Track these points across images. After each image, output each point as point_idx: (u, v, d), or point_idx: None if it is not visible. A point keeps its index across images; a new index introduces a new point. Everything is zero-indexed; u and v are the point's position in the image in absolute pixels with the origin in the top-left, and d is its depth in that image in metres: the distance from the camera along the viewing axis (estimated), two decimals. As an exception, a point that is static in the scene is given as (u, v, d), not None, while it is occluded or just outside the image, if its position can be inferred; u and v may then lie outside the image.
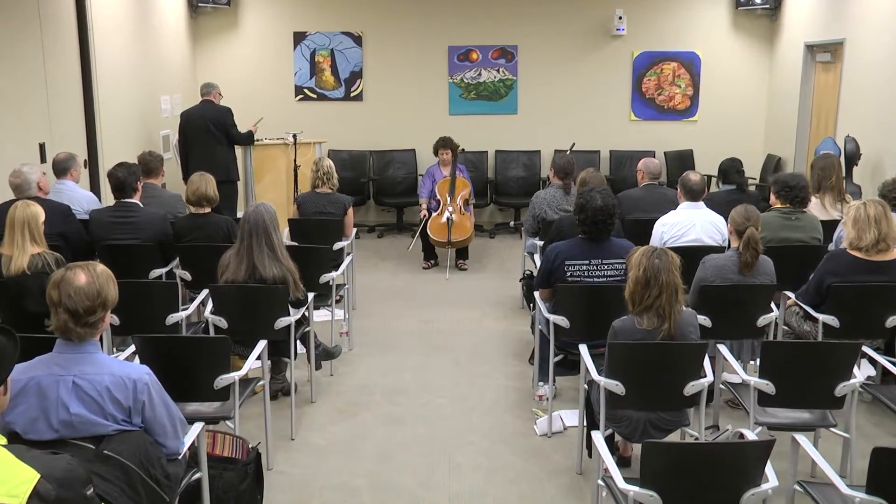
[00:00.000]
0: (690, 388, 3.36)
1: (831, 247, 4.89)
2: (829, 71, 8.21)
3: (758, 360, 3.63)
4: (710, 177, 8.18)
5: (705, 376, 3.40)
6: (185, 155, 7.63)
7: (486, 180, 9.63)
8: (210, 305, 4.32)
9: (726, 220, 4.51)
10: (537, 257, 5.70)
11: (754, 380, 3.49)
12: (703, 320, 4.04)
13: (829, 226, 5.21)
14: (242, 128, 7.74)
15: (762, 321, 4.20)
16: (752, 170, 8.86)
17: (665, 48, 9.64)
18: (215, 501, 3.18)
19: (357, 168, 9.69)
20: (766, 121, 9.72)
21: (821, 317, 4.25)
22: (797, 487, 3.03)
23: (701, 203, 5.12)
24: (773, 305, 4.24)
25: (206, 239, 5.12)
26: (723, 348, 3.97)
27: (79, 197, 5.52)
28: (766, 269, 4.23)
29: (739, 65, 9.65)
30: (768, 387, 3.45)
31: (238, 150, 7.91)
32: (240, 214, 5.30)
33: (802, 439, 3.05)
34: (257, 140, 8.11)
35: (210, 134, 7.52)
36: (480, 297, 6.91)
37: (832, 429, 3.66)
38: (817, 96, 8.49)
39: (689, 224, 5.00)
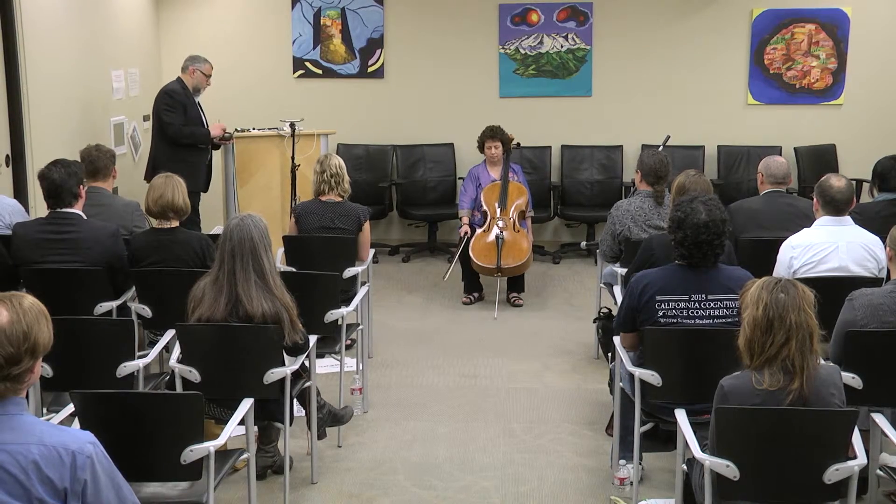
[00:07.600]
0: (833, 474, 3.32)
1: None
2: None
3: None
4: (860, 182, 8.08)
5: (855, 457, 3.36)
6: None
7: (548, 186, 9.65)
8: (177, 351, 4.35)
9: (884, 242, 4.47)
10: (618, 290, 5.71)
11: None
12: (851, 379, 3.99)
13: None
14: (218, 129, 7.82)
15: (937, 382, 4.12)
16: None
17: (798, 4, 9.57)
18: None
19: (376, 169, 9.77)
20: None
21: None
22: None
23: (847, 218, 5.09)
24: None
25: (173, 262, 5.18)
26: (881, 419, 3.91)
27: (-2, 205, 5.63)
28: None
29: (906, 26, 9.54)
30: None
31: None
32: (219, 230, 5.34)
33: None
34: (241, 130, 8.19)
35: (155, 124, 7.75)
36: (540, 344, 6.90)
37: None
38: None
39: (830, 246, 4.97)
